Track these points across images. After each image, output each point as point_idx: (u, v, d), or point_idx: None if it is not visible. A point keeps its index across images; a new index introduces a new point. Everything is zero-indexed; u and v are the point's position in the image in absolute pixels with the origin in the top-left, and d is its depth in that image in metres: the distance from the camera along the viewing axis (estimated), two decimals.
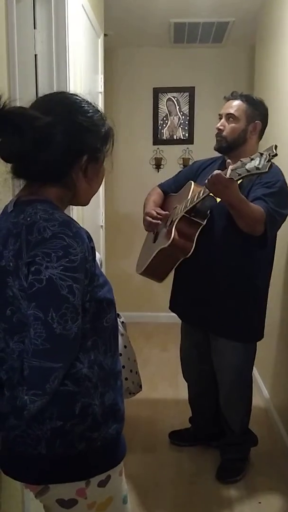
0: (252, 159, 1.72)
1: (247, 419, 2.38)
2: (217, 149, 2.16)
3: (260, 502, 2.14)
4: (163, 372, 3.37)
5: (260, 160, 1.70)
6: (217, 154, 2.25)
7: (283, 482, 2.26)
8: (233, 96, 2.14)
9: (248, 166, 1.72)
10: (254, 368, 2.59)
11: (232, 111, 2.09)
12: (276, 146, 1.69)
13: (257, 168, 1.69)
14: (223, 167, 1.89)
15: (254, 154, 1.73)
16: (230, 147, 2.10)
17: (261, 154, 1.70)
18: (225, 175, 1.76)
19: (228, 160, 1.80)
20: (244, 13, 3.51)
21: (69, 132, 1.02)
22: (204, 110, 4.29)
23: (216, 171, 1.81)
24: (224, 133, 2.10)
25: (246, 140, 2.10)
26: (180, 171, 2.51)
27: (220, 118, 2.14)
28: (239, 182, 1.82)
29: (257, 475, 2.33)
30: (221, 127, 2.11)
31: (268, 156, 1.69)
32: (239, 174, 1.73)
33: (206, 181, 1.85)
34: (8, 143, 0.98)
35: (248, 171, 1.71)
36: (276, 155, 1.68)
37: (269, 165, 1.69)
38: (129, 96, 4.39)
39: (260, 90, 3.44)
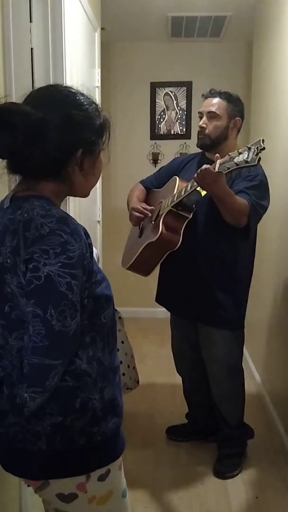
0: (240, 153, 1.77)
1: (242, 411, 2.40)
2: (200, 146, 2.23)
3: (257, 497, 2.15)
4: (160, 368, 3.38)
5: (248, 154, 1.75)
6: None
7: (280, 477, 2.28)
8: (212, 94, 2.18)
9: (236, 159, 1.77)
10: (246, 354, 2.63)
11: (213, 109, 2.14)
12: (263, 140, 1.74)
13: (246, 162, 1.75)
14: (204, 163, 1.98)
15: (242, 148, 1.79)
16: (213, 144, 2.16)
17: (249, 148, 1.76)
18: (214, 169, 1.80)
19: (217, 155, 1.85)
20: (242, 7, 3.49)
21: (62, 127, 1.01)
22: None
23: (205, 166, 1.86)
24: (207, 131, 2.15)
25: (227, 136, 2.16)
26: (160, 168, 2.55)
27: (200, 117, 2.19)
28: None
29: (254, 469, 2.34)
30: (203, 125, 2.16)
31: (256, 149, 1.74)
32: (228, 168, 1.78)
33: (195, 175, 1.89)
34: (2, 140, 0.97)
35: (237, 164, 1.77)
36: (264, 148, 1.73)
37: (257, 158, 1.74)
38: (126, 91, 4.37)
39: (257, 85, 3.43)
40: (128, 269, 2.29)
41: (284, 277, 2.56)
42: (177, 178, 2.20)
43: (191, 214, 2.11)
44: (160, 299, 2.45)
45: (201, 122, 2.17)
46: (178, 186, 2.14)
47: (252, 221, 2.02)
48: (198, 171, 1.87)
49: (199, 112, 2.21)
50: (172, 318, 2.49)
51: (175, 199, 2.07)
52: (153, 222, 2.21)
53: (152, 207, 2.27)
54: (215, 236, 2.13)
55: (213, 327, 2.23)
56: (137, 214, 2.28)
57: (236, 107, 2.17)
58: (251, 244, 2.23)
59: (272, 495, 2.17)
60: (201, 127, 2.17)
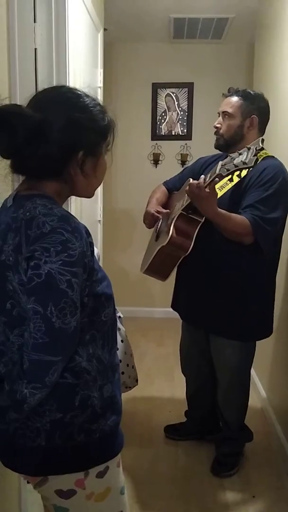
0: (240, 154, 1.74)
1: (244, 415, 2.40)
2: (216, 147, 2.18)
3: (254, 496, 2.17)
4: (159, 367, 3.39)
5: (247, 155, 1.71)
6: (215, 150, 2.25)
7: (277, 477, 2.29)
8: (230, 93, 2.14)
9: (236, 161, 1.73)
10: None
11: (227, 108, 2.10)
12: (263, 140, 1.71)
13: (244, 163, 1.70)
14: None
15: (242, 149, 1.75)
16: (228, 144, 2.11)
17: (249, 149, 1.72)
18: (215, 172, 1.78)
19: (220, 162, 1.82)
20: (244, 9, 3.50)
21: (63, 129, 1.02)
22: (203, 106, 4.29)
23: (191, 180, 1.85)
24: (221, 131, 2.13)
25: (244, 136, 2.10)
26: (185, 168, 2.50)
27: (219, 116, 2.17)
28: (229, 176, 1.81)
29: (252, 469, 2.35)
30: (218, 125, 2.13)
31: (254, 150, 1.70)
32: (228, 170, 1.74)
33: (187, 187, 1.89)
34: (2, 141, 0.99)
35: (236, 166, 1.73)
36: (262, 148, 1.70)
37: (255, 159, 1.69)
38: (128, 91, 4.38)
39: (259, 86, 3.44)
40: (145, 273, 2.24)
41: None
42: (191, 180, 2.14)
43: (203, 218, 2.01)
44: (175, 306, 2.41)
45: (215, 122, 2.14)
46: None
47: (259, 238, 1.94)
48: (188, 184, 1.87)
49: (218, 113, 2.18)
50: (184, 323, 2.47)
51: (184, 203, 2.01)
52: (167, 226, 2.15)
53: (167, 210, 2.21)
54: (228, 244, 2.01)
55: (225, 337, 2.19)
56: (149, 218, 2.26)
57: (253, 104, 2.09)
58: (269, 255, 2.10)
59: (269, 494, 2.18)
60: (215, 127, 2.14)
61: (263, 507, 2.11)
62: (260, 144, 1.70)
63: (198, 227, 2.03)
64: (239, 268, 2.09)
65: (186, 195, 2.02)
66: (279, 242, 2.13)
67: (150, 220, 2.27)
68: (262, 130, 2.15)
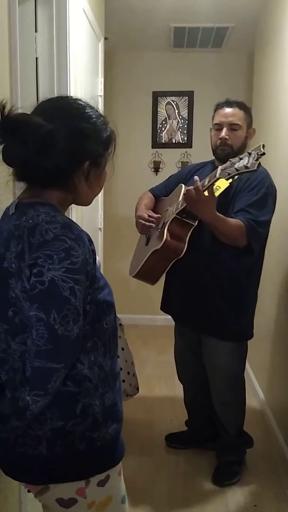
0: (241, 159, 1.77)
1: (242, 420, 2.39)
2: (223, 158, 2.10)
3: (255, 505, 2.15)
4: (160, 375, 3.38)
5: (248, 159, 1.74)
6: (209, 158, 2.30)
7: (279, 485, 2.27)
8: (229, 104, 2.16)
9: (237, 165, 1.76)
10: (249, 369, 2.59)
11: (235, 120, 2.12)
12: (263, 145, 1.74)
13: (246, 167, 1.74)
14: (214, 169, 1.93)
15: (242, 154, 1.79)
16: (235, 155, 2.05)
17: (250, 154, 1.76)
18: (215, 176, 1.81)
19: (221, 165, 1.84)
20: (244, 19, 3.53)
21: (72, 139, 1.03)
22: (203, 114, 4.28)
23: (191, 185, 1.86)
24: (229, 142, 2.12)
25: (246, 145, 2.16)
26: (170, 176, 2.54)
27: (219, 128, 2.15)
28: (229, 182, 1.83)
29: (253, 477, 2.34)
30: (227, 137, 2.12)
31: (256, 155, 1.73)
32: (229, 174, 1.78)
33: (184, 192, 1.91)
34: (12, 150, 0.99)
35: (237, 170, 1.76)
36: (264, 154, 1.73)
37: (257, 163, 1.73)
38: (128, 100, 4.41)
39: (259, 95, 3.46)
40: (135, 277, 2.27)
41: None
42: (183, 186, 2.18)
43: (196, 222, 2.08)
44: (165, 307, 2.44)
45: (223, 134, 2.12)
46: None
47: (252, 240, 2.01)
48: (185, 190, 1.89)
49: (216, 124, 2.16)
50: (176, 325, 2.49)
51: (179, 207, 2.06)
52: (159, 230, 2.19)
53: (159, 215, 2.26)
54: (220, 246, 2.07)
55: (216, 338, 2.22)
56: (143, 222, 2.26)
57: (250, 115, 2.18)
58: (258, 256, 2.18)
59: (271, 503, 2.16)
60: (223, 138, 2.13)
61: None
62: (262, 149, 1.73)
63: (191, 230, 2.09)
64: (230, 269, 2.15)
65: (180, 199, 2.07)
66: (265, 242, 2.19)
67: (142, 225, 2.29)
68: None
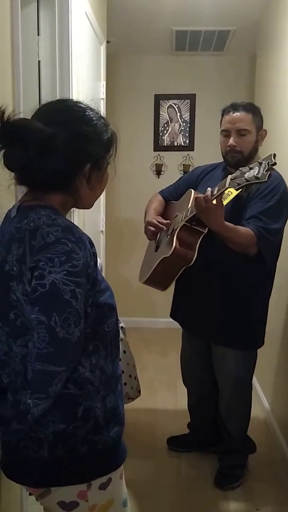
0: (251, 168, 1.71)
1: (246, 426, 2.38)
2: (234, 165, 2.03)
3: (258, 509, 2.14)
4: (161, 378, 3.37)
5: (259, 169, 1.68)
6: (218, 160, 2.26)
7: (281, 489, 2.26)
8: (235, 108, 2.07)
9: (247, 175, 1.70)
10: (254, 378, 2.56)
11: (242, 126, 2.04)
12: (274, 155, 1.68)
13: (256, 178, 1.68)
14: (225, 174, 1.90)
15: (252, 163, 1.73)
16: (247, 160, 2.04)
17: (260, 164, 1.69)
18: (224, 185, 1.76)
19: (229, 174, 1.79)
20: (246, 22, 3.54)
21: (72, 143, 1.03)
22: (205, 117, 4.32)
23: (200, 194, 1.82)
24: (238, 148, 2.05)
25: (257, 149, 2.10)
26: (181, 178, 2.50)
27: (226, 135, 2.08)
28: (238, 191, 1.78)
29: (255, 481, 2.33)
30: (235, 144, 2.05)
31: (267, 165, 1.68)
32: (238, 184, 1.71)
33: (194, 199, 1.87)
34: (13, 154, 0.99)
35: (247, 180, 1.70)
36: (275, 164, 1.67)
37: (268, 174, 1.67)
38: (130, 103, 4.42)
39: (261, 98, 3.46)
40: (145, 283, 2.23)
41: None
42: (192, 191, 2.13)
43: (206, 229, 2.00)
44: (175, 315, 2.41)
45: (231, 141, 2.05)
46: (193, 199, 2.05)
47: (263, 249, 1.96)
48: (194, 199, 1.86)
49: (223, 130, 2.09)
50: (184, 332, 2.46)
51: (188, 214, 1.99)
52: (168, 237, 2.13)
53: (168, 221, 2.19)
54: (232, 254, 2.01)
55: (226, 347, 2.19)
56: (152, 228, 2.22)
57: (259, 116, 2.08)
58: (271, 264, 2.12)
59: (273, 507, 2.15)
60: (232, 146, 2.05)
61: None
62: (273, 159, 1.67)
63: (201, 238, 2.03)
64: (241, 277, 2.10)
65: (189, 206, 2.03)
66: (278, 251, 2.14)
67: (152, 232, 2.25)
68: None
